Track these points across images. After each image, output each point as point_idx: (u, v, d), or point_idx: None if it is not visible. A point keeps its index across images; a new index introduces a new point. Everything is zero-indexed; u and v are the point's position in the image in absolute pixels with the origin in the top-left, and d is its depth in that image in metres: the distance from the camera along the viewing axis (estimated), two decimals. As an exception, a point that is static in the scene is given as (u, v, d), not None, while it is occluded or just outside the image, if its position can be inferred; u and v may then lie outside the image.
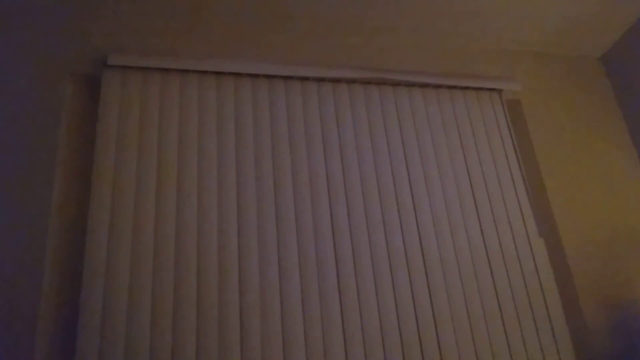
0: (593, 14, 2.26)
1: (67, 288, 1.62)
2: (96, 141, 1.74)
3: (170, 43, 1.99)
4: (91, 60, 1.88)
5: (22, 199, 1.63)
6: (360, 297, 1.75)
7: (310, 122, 1.98)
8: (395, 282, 1.79)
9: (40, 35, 1.87)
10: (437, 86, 2.19)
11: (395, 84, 2.14)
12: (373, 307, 1.74)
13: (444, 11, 2.14)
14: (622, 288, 2.00)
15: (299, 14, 2.07)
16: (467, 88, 2.23)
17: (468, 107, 2.19)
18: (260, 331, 1.62)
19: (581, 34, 2.38)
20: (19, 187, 1.64)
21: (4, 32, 1.85)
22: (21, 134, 1.71)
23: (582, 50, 2.49)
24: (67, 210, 1.72)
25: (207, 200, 1.75)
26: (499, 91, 2.27)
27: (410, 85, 2.16)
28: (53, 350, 1.55)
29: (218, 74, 1.96)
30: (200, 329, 1.59)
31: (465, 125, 2.14)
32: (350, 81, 2.10)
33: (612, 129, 2.35)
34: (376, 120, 2.05)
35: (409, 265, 1.83)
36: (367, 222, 1.86)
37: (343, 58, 2.16)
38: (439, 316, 1.78)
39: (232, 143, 1.86)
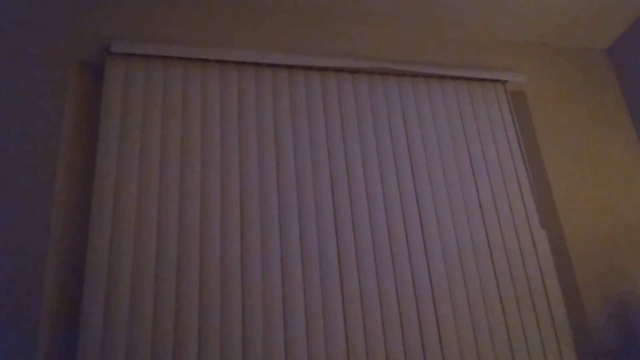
0: (600, 6, 2.23)
1: (69, 286, 1.62)
2: (99, 128, 1.74)
3: (174, 31, 1.98)
4: (94, 48, 1.88)
5: (25, 188, 1.64)
6: (362, 290, 1.75)
7: (314, 111, 1.97)
8: (397, 272, 1.80)
9: (43, 22, 1.87)
10: (441, 77, 2.18)
11: (400, 74, 2.13)
12: (374, 300, 1.74)
13: (449, 1, 2.13)
14: (624, 281, 2.00)
15: (303, 2, 2.06)
16: (471, 79, 2.22)
17: (472, 98, 2.18)
18: (262, 331, 1.62)
19: (588, 26, 2.35)
20: (21, 176, 1.65)
21: (6, 21, 1.85)
22: (24, 122, 1.71)
23: (588, 42, 2.47)
24: (70, 201, 1.72)
25: (209, 190, 1.75)
26: (504, 82, 2.25)
27: (414, 75, 2.15)
28: (55, 350, 1.55)
29: (221, 62, 1.95)
30: (202, 327, 1.59)
31: (469, 116, 2.13)
32: (354, 71, 2.09)
33: (617, 122, 2.34)
34: (379, 110, 2.04)
35: (410, 256, 1.83)
36: (369, 214, 1.86)
37: (347, 48, 2.15)
38: (440, 309, 1.78)
39: (235, 131, 1.86)
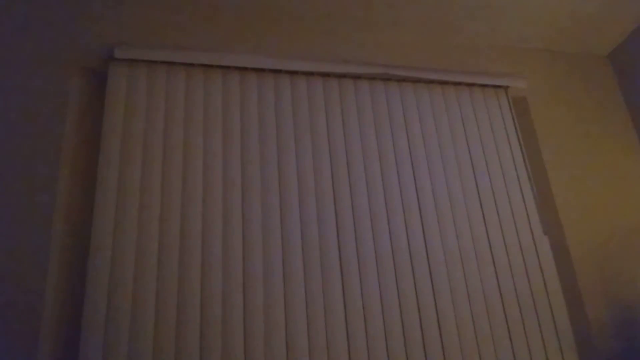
0: (601, 12, 2.24)
1: (71, 286, 1.62)
2: (102, 134, 1.74)
3: (176, 36, 1.99)
4: (97, 54, 1.88)
5: (27, 193, 1.63)
6: (364, 295, 1.75)
7: (316, 117, 1.98)
8: (399, 278, 1.79)
9: (46, 28, 1.88)
10: (443, 83, 2.18)
11: (401, 79, 2.14)
12: (376, 304, 1.74)
13: (451, 7, 2.13)
14: (626, 287, 2.00)
15: (305, 8, 2.07)
16: (473, 85, 2.22)
17: (474, 103, 2.18)
18: (264, 331, 1.62)
19: (589, 32, 2.36)
20: (24, 181, 1.65)
21: (10, 26, 1.85)
22: (27, 127, 1.72)
23: (589, 48, 2.47)
24: (73, 205, 1.72)
25: (211, 194, 1.76)
26: (505, 88, 2.26)
27: (416, 81, 2.15)
28: (57, 349, 1.55)
29: (224, 68, 1.96)
30: (204, 328, 1.59)
31: (470, 122, 2.14)
32: (356, 77, 2.10)
33: (619, 127, 2.34)
34: (381, 116, 2.05)
35: (412, 262, 1.83)
36: (371, 219, 1.86)
37: (349, 53, 2.16)
38: (442, 312, 1.78)
39: (238, 137, 1.86)
